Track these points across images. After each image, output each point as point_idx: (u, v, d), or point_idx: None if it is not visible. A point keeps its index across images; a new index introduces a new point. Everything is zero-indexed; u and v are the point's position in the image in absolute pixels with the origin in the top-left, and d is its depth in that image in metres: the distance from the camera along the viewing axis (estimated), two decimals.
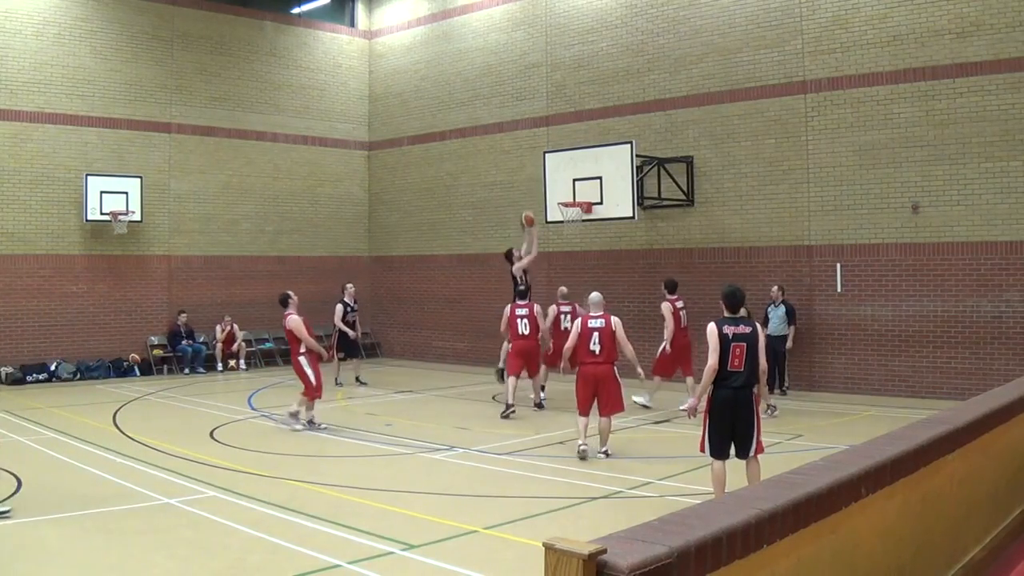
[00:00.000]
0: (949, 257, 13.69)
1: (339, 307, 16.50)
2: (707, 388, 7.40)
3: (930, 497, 4.04)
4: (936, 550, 4.19)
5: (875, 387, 14.26)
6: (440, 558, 6.40)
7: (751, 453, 7.35)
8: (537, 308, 13.33)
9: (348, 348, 16.63)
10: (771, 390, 14.54)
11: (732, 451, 7.46)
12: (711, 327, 7.32)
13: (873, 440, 3.93)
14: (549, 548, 2.20)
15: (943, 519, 4.23)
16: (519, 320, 13.05)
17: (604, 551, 2.17)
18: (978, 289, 13.40)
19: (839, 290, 14.63)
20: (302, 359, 11.83)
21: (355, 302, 16.79)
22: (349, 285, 17.04)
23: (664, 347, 13.27)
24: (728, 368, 7.19)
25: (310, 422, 11.94)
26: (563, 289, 14.25)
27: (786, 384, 14.56)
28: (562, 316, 13.61)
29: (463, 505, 8.10)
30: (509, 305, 13.31)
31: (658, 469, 9.42)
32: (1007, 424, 5.12)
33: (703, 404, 7.67)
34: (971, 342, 13.44)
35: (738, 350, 7.19)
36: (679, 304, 13.40)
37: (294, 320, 11.85)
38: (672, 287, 13.50)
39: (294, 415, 12.00)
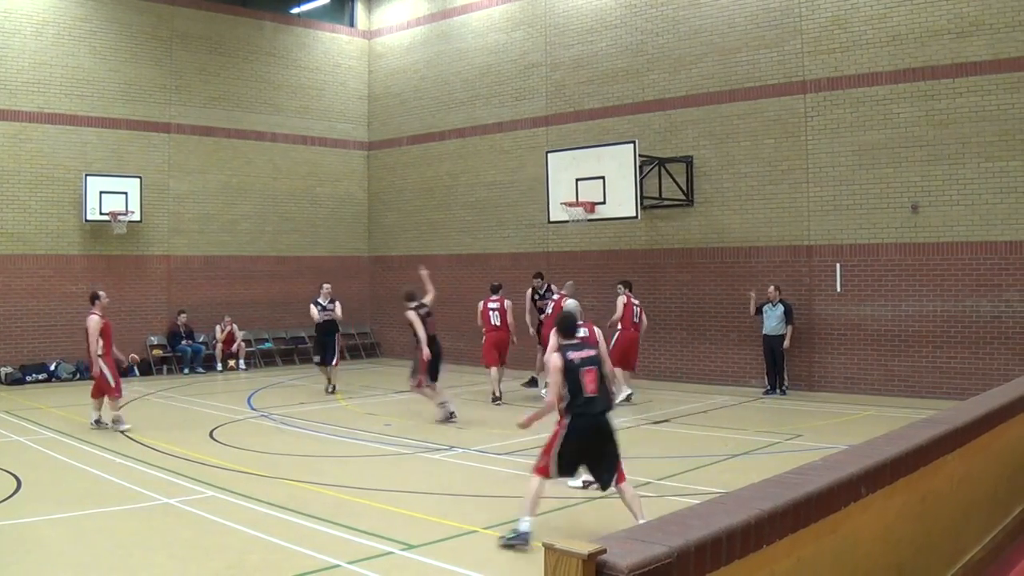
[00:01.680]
0: (948, 257, 13.69)
1: (312, 308, 15.54)
2: (543, 417, 7.08)
3: (930, 497, 4.04)
4: (936, 550, 4.19)
5: (875, 387, 14.27)
6: (440, 558, 6.40)
7: (614, 482, 6.73)
8: (508, 303, 14.47)
9: (322, 351, 15.50)
10: (772, 390, 14.60)
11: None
12: (554, 357, 6.81)
13: (873, 440, 3.93)
14: (549, 548, 2.20)
15: (943, 519, 4.24)
16: (491, 312, 14.44)
17: (603, 551, 2.17)
18: (977, 289, 13.40)
19: (839, 290, 14.63)
20: (101, 360, 11.61)
21: (330, 301, 15.56)
22: (326, 285, 15.93)
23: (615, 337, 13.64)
24: (584, 394, 6.72)
25: (114, 421, 11.83)
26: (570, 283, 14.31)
27: (785, 384, 14.57)
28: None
29: (463, 505, 8.10)
30: (483, 300, 14.69)
31: (658, 469, 9.41)
32: (1007, 424, 5.12)
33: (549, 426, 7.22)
34: (970, 342, 13.44)
35: (589, 375, 6.75)
36: (635, 301, 14.23)
37: (93, 321, 11.70)
38: (628, 285, 14.43)
39: (97, 422, 11.87)
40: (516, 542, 6.45)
